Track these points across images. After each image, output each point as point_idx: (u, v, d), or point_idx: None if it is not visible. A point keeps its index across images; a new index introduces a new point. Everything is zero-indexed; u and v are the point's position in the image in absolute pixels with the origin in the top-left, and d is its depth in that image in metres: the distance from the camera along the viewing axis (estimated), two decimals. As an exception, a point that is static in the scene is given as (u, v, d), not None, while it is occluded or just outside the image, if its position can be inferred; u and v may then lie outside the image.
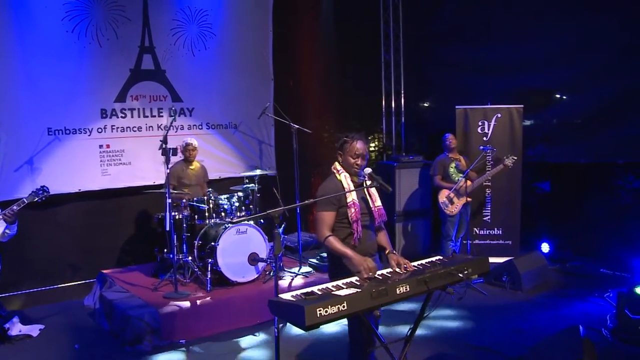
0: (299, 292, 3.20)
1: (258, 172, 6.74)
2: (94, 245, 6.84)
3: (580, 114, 7.55)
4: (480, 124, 7.51)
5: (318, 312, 2.91)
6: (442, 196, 6.98)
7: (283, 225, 6.64)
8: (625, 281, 6.35)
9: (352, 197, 3.77)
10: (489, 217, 7.55)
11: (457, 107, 7.60)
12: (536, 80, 7.82)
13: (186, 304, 5.48)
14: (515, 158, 6.76)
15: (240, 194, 6.46)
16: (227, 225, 5.98)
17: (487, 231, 7.56)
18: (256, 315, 5.64)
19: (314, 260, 6.81)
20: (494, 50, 8.01)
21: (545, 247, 7.47)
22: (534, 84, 7.85)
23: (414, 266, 3.72)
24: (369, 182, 3.90)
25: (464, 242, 7.29)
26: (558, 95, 7.98)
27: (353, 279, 3.45)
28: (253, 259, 6.01)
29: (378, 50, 9.53)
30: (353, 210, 3.74)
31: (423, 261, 3.86)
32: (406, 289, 3.30)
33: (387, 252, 3.84)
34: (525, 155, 7.65)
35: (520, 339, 5.03)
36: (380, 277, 3.50)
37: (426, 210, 7.97)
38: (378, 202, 3.94)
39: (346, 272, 3.67)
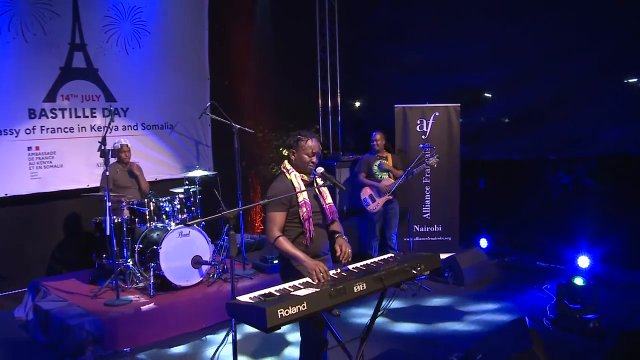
0: (256, 293, 3.21)
1: (198, 173, 6.66)
2: (24, 253, 6.53)
3: (513, 112, 7.89)
4: (418, 122, 7.70)
5: (279, 313, 2.92)
6: (364, 194, 7.20)
7: (227, 226, 6.56)
8: (561, 273, 6.68)
9: (303, 196, 3.79)
10: (428, 214, 7.76)
11: (395, 105, 7.77)
12: (470, 80, 8.14)
13: (129, 310, 5.33)
14: (439, 159, 6.94)
15: (181, 195, 6.35)
16: (169, 229, 5.88)
17: (427, 228, 7.76)
18: (202, 319, 5.57)
19: (258, 262, 6.80)
20: (430, 50, 8.27)
21: (483, 243, 7.78)
22: (468, 83, 8.17)
23: (367, 264, 3.81)
24: (319, 181, 3.93)
25: (405, 239, 7.48)
26: (491, 95, 8.34)
27: (308, 280, 3.49)
28: (197, 262, 6.10)
29: (314, 49, 9.61)
30: (304, 209, 3.76)
31: (376, 259, 3.96)
32: (363, 287, 3.36)
33: (336, 235, 3.88)
34: (462, 153, 7.91)
35: (468, 332, 5.22)
36: (336, 277, 3.55)
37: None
38: (329, 200, 3.98)
39: (298, 272, 3.69)
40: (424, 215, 7.77)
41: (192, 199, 6.44)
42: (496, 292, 6.31)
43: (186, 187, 6.57)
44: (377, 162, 7.19)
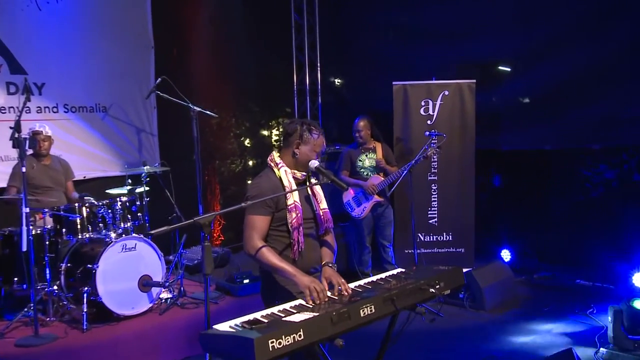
0: (237, 321, 3.19)
1: (146, 169, 6.62)
2: None
3: (540, 90, 7.99)
4: (423, 103, 7.75)
5: (270, 345, 2.88)
6: (346, 196, 7.30)
7: (184, 237, 6.53)
8: (610, 294, 6.74)
9: (294, 197, 3.79)
10: (435, 219, 7.81)
11: (394, 82, 7.81)
12: (485, 51, 8.21)
13: (52, 351, 5.19)
14: (440, 149, 6.99)
15: (123, 198, 6.26)
16: (109, 241, 5.79)
17: (435, 237, 7.82)
18: (154, 356, 5.50)
19: (223, 282, 6.77)
20: (435, 13, 8.32)
21: (506, 255, 7.88)
22: (484, 54, 8.25)
23: (374, 282, 3.83)
24: (313, 180, 3.97)
25: (408, 251, 7.50)
26: (511, 69, 8.43)
27: (301, 301, 3.48)
28: (145, 283, 6.05)
29: (288, 11, 9.59)
30: (294, 214, 3.76)
31: (384, 275, 3.99)
32: (371, 310, 3.36)
33: (322, 263, 3.90)
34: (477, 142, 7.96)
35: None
36: (336, 298, 3.54)
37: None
38: (324, 204, 4.02)
39: (287, 293, 3.70)
40: (430, 221, 7.82)
41: (137, 203, 6.37)
42: (526, 318, 6.35)
43: (129, 187, 6.49)
44: (364, 156, 7.21)
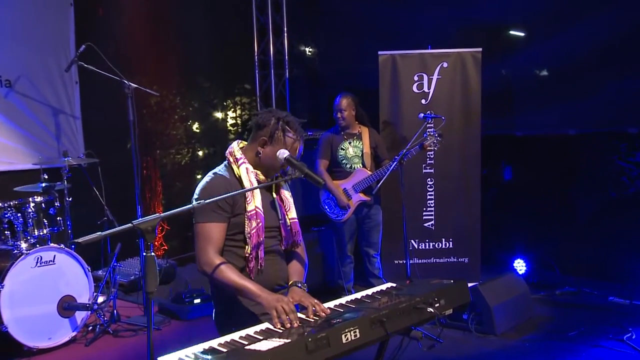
0: (188, 351, 3.17)
1: (67, 161, 6.54)
2: None
3: (560, 61, 8.01)
4: (416, 78, 7.73)
5: None
6: (325, 194, 7.30)
7: (117, 247, 6.47)
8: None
9: (255, 202, 3.83)
10: (432, 222, 7.82)
11: (380, 52, 7.78)
12: (495, 11, 8.23)
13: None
14: (441, 137, 6.99)
15: (38, 199, 6.18)
16: (18, 253, 5.71)
17: (431, 244, 7.84)
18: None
19: (167, 302, 6.78)
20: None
21: (520, 266, 7.91)
22: (491, 16, 8.26)
23: (358, 299, 3.85)
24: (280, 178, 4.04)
25: (398, 261, 7.50)
26: (529, 33, 8.43)
27: (268, 325, 3.47)
28: (67, 306, 6.03)
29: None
30: (254, 224, 3.80)
31: (369, 291, 4.01)
32: (355, 335, 3.37)
33: (290, 282, 3.95)
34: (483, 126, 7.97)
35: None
36: (311, 320, 3.53)
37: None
38: (292, 213, 4.09)
39: (248, 316, 3.74)
40: (426, 225, 7.83)
41: (57, 204, 6.29)
42: (547, 345, 6.35)
43: (45, 184, 6.40)
44: (347, 144, 7.20)
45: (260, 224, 3.80)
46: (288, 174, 3.96)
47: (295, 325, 3.43)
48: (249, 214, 3.78)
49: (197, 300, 6.51)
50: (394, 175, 6.87)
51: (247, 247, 3.80)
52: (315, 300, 3.66)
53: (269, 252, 3.89)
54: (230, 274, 3.69)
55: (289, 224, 4.00)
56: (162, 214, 3.35)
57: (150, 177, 8.95)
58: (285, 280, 3.99)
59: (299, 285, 3.87)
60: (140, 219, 3.21)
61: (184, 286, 6.96)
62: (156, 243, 8.82)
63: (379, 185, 6.88)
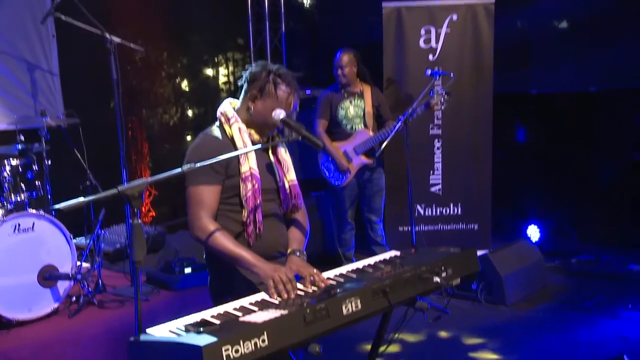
0: (179, 322, 3.17)
1: (45, 122, 6.49)
2: None
3: (586, 10, 7.90)
4: (423, 32, 7.75)
5: (224, 354, 2.88)
6: (324, 156, 7.35)
7: (101, 214, 6.48)
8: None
9: (249, 163, 3.80)
10: (439, 186, 7.88)
11: (384, 4, 7.79)
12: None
13: None
14: (449, 95, 7.01)
15: (14, 162, 6.20)
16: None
17: (439, 210, 7.91)
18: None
19: (156, 271, 6.79)
20: None
21: (533, 233, 7.97)
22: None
23: (359, 269, 3.87)
24: (276, 138, 4.01)
25: (403, 228, 7.56)
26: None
27: (264, 296, 3.51)
28: (49, 276, 5.98)
29: None
30: (250, 185, 3.77)
31: (372, 259, 4.03)
32: (356, 306, 3.37)
33: (288, 251, 3.96)
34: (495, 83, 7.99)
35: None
36: (310, 291, 3.56)
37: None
38: (291, 175, 4.06)
39: (246, 286, 3.74)
40: (433, 189, 7.90)
41: (35, 167, 6.31)
42: (562, 316, 6.44)
43: (22, 146, 6.38)
44: (347, 102, 7.23)
45: (257, 186, 3.78)
46: (285, 135, 3.96)
47: (293, 295, 3.45)
48: (244, 175, 3.76)
49: (187, 270, 6.49)
50: (398, 137, 6.89)
51: (243, 210, 3.79)
52: (315, 270, 3.67)
53: (268, 216, 3.88)
54: (225, 242, 3.69)
55: (287, 186, 3.98)
56: (149, 179, 3.34)
57: (136, 139, 8.93)
58: (286, 247, 3.99)
59: (298, 253, 3.87)
60: (126, 184, 3.20)
61: (173, 255, 6.93)
62: (143, 209, 8.87)
63: (382, 147, 6.92)
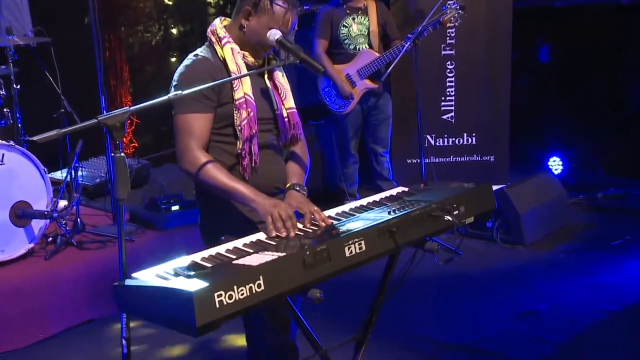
0: (166, 266, 3.19)
1: (12, 40, 6.51)
2: None
3: None
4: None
5: (217, 300, 2.90)
6: (324, 81, 7.36)
7: (79, 145, 6.47)
8: None
9: (244, 89, 3.77)
10: (452, 114, 7.89)
11: None
12: None
13: None
14: (462, 11, 6.93)
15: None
16: None
17: (451, 140, 7.93)
18: (40, 324, 5.55)
19: (140, 209, 6.86)
20: None
21: (556, 165, 7.98)
22: None
23: (363, 206, 3.87)
24: (273, 61, 3.98)
25: (411, 160, 7.60)
26: None
27: (260, 236, 3.52)
28: (22, 213, 6.02)
29: None
30: (244, 114, 3.74)
31: (377, 196, 4.02)
32: (360, 248, 3.38)
33: (287, 186, 3.95)
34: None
35: (538, 328, 5.36)
36: (310, 230, 3.59)
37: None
38: (290, 102, 4.01)
39: (242, 224, 3.76)
40: (445, 117, 7.91)
41: (2, 92, 6.31)
42: (586, 257, 6.48)
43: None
44: (350, 20, 7.20)
45: (252, 114, 3.74)
46: (281, 58, 3.95)
47: (293, 234, 3.47)
48: (238, 102, 3.72)
49: (175, 207, 6.53)
50: (406, 58, 6.89)
51: (238, 142, 3.77)
52: (315, 208, 3.66)
53: (264, 148, 3.86)
54: (219, 175, 3.66)
55: (285, 114, 3.95)
56: (132, 107, 3.33)
57: (115, 60, 8.92)
58: (284, 182, 3.98)
59: (298, 188, 3.87)
60: (106, 114, 3.21)
61: (159, 191, 6.93)
62: (125, 139, 8.88)
63: (388, 70, 6.88)
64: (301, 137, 4.08)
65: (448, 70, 7.82)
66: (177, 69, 3.81)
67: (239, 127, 3.75)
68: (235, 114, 3.75)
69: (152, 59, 9.29)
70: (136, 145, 8.91)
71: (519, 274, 6.27)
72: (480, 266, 6.42)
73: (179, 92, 3.31)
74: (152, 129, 8.92)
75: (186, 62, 3.82)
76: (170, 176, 7.57)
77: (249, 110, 3.75)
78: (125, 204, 3.29)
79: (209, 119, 3.76)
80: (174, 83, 3.74)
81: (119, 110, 3.16)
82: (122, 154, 3.15)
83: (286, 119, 3.96)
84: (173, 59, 9.34)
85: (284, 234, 3.47)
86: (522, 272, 6.28)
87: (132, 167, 7.85)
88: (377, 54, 7.14)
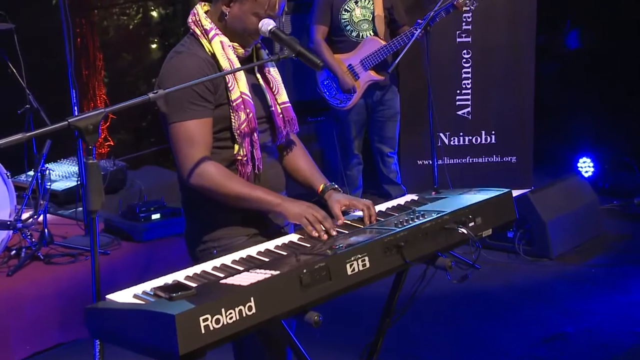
0: (145, 286, 3.20)
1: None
2: None
3: None
4: None
5: (203, 325, 2.91)
6: (323, 74, 7.36)
7: (46, 145, 6.47)
8: None
9: (240, 87, 3.75)
10: (469, 109, 7.90)
11: None
12: None
13: None
14: None
15: None
16: None
17: (467, 138, 7.96)
18: (3, 347, 5.55)
19: (117, 218, 6.81)
20: None
21: (586, 167, 8.00)
22: None
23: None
24: (264, 55, 3.98)
25: (422, 162, 7.62)
26: None
27: (251, 251, 3.54)
28: None
29: None
30: (243, 115, 3.72)
31: (383, 205, 4.05)
32: (364, 265, 3.40)
33: (320, 188, 3.96)
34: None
35: (566, 353, 5.40)
36: (308, 245, 3.60)
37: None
38: (283, 96, 4.00)
39: (234, 236, 3.78)
40: (460, 113, 7.93)
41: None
42: (620, 272, 6.49)
43: None
44: (352, 3, 7.22)
45: (251, 115, 3.71)
46: (275, 52, 3.91)
47: (334, 233, 3.54)
48: (235, 103, 3.69)
49: (155, 216, 6.46)
50: (416, 47, 6.91)
51: (236, 146, 3.74)
52: (369, 201, 3.76)
53: (263, 149, 3.85)
54: (236, 184, 3.64)
55: (279, 111, 3.93)
56: (107, 108, 3.32)
57: (87, 47, 8.93)
58: (284, 185, 4.02)
59: (337, 187, 3.92)
60: (78, 115, 3.19)
61: (137, 196, 6.94)
62: (99, 138, 8.87)
63: (397, 61, 6.86)
64: (296, 131, 4.08)
65: (464, 60, 7.84)
66: (157, 57, 3.80)
67: (238, 131, 3.73)
68: (232, 116, 3.73)
69: (130, 45, 9.30)
70: (112, 144, 8.89)
71: (544, 291, 6.28)
72: (500, 282, 6.44)
73: (160, 90, 3.19)
74: (129, 126, 8.92)
75: (174, 59, 3.75)
76: (150, 180, 7.55)
77: (248, 110, 3.73)
78: (100, 211, 3.26)
79: (209, 124, 3.71)
80: (160, 82, 3.68)
81: (93, 111, 3.12)
82: (95, 161, 3.13)
83: (281, 115, 3.94)
84: (153, 46, 9.34)
85: (324, 237, 3.53)
86: (548, 289, 6.30)
87: (106, 170, 7.87)
88: (383, 42, 7.15)
